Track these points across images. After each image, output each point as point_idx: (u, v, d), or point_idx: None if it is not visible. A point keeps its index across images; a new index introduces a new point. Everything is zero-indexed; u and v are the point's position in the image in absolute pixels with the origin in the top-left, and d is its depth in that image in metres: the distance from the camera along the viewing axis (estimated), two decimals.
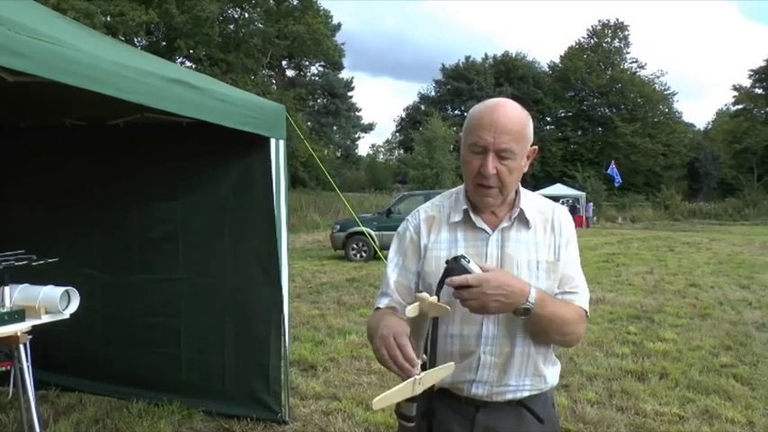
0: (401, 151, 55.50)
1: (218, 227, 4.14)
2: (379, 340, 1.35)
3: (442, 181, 32.09)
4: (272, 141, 3.90)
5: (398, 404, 1.41)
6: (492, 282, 1.40)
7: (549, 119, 54.04)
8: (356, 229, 14.41)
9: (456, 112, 52.94)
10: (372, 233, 13.86)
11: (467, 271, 1.41)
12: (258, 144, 3.86)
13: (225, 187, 4.09)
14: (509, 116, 1.51)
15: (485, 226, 1.61)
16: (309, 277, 11.80)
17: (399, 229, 1.72)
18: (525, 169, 1.59)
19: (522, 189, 1.65)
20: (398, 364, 1.30)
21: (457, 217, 1.62)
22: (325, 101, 50.23)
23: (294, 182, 37.06)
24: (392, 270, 1.65)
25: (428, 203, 1.73)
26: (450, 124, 38.47)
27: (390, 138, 65.12)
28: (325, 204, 29.08)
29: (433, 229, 1.64)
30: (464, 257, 1.42)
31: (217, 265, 4.17)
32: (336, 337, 6.81)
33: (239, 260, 4.10)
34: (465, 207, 1.62)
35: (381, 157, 61.46)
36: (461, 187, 1.67)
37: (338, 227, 15.55)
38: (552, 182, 39.48)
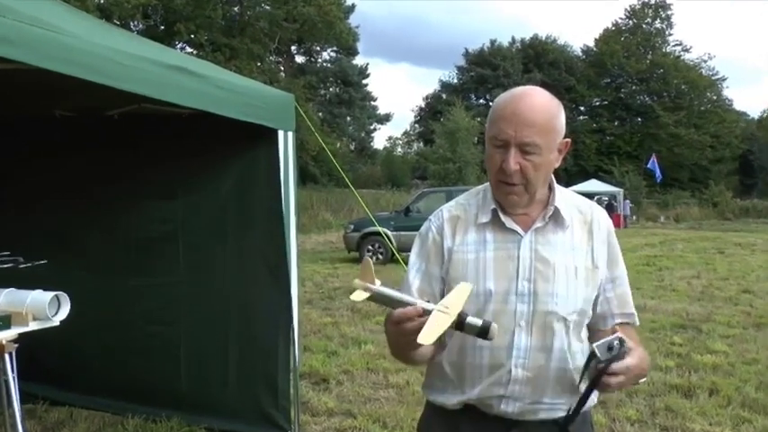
0: (420, 144, 55.47)
1: (220, 227, 4.15)
2: (388, 327, 1.41)
3: (466, 177, 31.96)
4: (280, 134, 3.90)
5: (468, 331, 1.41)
6: (637, 366, 1.46)
7: (582, 108, 53.69)
8: (372, 229, 14.41)
9: (480, 101, 52.82)
10: (389, 234, 13.84)
11: (624, 353, 1.42)
12: (265, 137, 3.86)
13: (228, 184, 4.10)
14: (534, 106, 1.50)
15: (516, 227, 1.59)
16: (321, 281, 11.82)
17: (421, 229, 1.72)
18: (557, 164, 1.58)
19: (557, 186, 1.63)
20: (407, 314, 1.35)
21: (485, 217, 1.61)
22: (337, 89, 50.33)
23: (304, 178, 37.16)
24: (414, 275, 1.65)
25: (452, 202, 1.73)
26: (474, 114, 38.32)
27: (409, 129, 65.12)
28: (338, 202, 29.14)
29: (458, 230, 1.64)
30: (623, 341, 1.42)
31: (219, 268, 4.18)
32: (351, 348, 6.81)
33: (244, 263, 4.10)
34: (493, 207, 1.61)
35: (399, 150, 61.49)
36: (488, 184, 1.66)
37: (352, 227, 15.57)
38: (586, 177, 39.20)
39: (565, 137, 1.57)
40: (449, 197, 15.72)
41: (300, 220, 23.02)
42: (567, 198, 1.64)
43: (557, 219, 1.59)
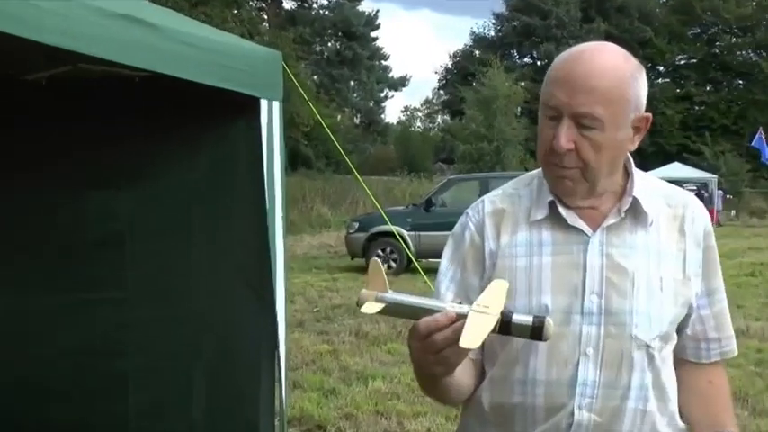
0: (446, 117, 55.50)
1: (183, 227, 4.16)
2: (412, 345, 1.40)
3: (505, 159, 31.96)
4: (263, 104, 3.89)
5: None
6: None
7: (661, 68, 53.47)
8: (382, 228, 14.40)
9: (525, 59, 52.80)
10: (405, 234, 13.84)
11: None
12: (243, 108, 3.86)
13: (194, 170, 4.10)
14: (596, 67, 1.50)
15: (581, 224, 1.59)
16: (316, 297, 11.84)
17: (456, 227, 1.73)
18: (631, 146, 1.57)
19: (635, 170, 1.63)
20: (438, 322, 1.33)
21: (540, 212, 1.62)
22: (338, 45, 50.48)
23: (294, 161, 37.19)
24: (446, 287, 1.67)
25: (497, 191, 1.73)
26: (517, 78, 38.33)
27: (431, 98, 65.18)
28: (338, 193, 29.19)
29: (504, 227, 1.64)
30: None
31: (181, 282, 4.19)
32: (354, 385, 6.82)
33: (215, 273, 4.11)
34: (550, 198, 1.61)
35: (418, 125, 61.59)
36: (541, 171, 1.66)
37: (357, 225, 15.59)
38: (666, 160, 38.97)
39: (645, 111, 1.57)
40: (483, 186, 15.87)
41: (289, 216, 23.05)
42: (650, 186, 1.63)
43: (636, 213, 1.59)
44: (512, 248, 1.61)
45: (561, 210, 1.59)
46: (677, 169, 34.85)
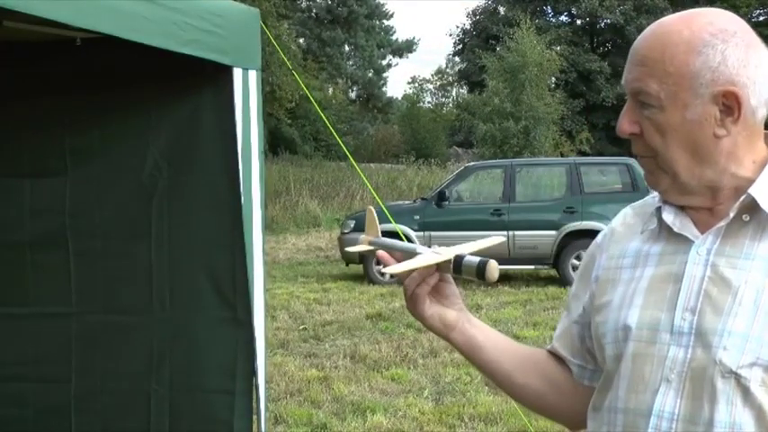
0: (463, 90, 55.41)
1: (139, 224, 4.17)
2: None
3: (536, 142, 31.90)
4: (237, 73, 3.90)
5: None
6: None
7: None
8: (384, 227, 14.24)
9: (562, 18, 52.59)
10: (412, 234, 13.84)
11: None
12: (211, 78, 3.87)
13: (153, 154, 4.11)
14: (653, 36, 1.53)
15: (689, 229, 1.60)
16: (303, 312, 11.84)
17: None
18: (724, 131, 1.54)
19: None
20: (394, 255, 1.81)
21: (653, 222, 1.66)
22: (330, 0, 50.38)
23: (275, 144, 37.26)
24: (565, 313, 1.88)
25: (642, 200, 1.80)
26: (552, 41, 38.20)
27: (444, 66, 65.10)
28: (330, 184, 29.19)
29: (620, 239, 1.74)
30: None
31: (137, 291, 4.20)
32: (350, 419, 6.82)
33: (177, 283, 4.13)
34: (658, 205, 1.65)
35: (428, 100, 61.51)
36: None
37: (353, 224, 15.57)
38: None
39: (728, 86, 1.52)
40: (509, 176, 15.89)
41: (270, 212, 23.07)
42: None
43: (759, 217, 1.56)
44: (619, 259, 1.69)
45: (667, 216, 1.61)
46: None
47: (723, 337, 1.51)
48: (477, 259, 1.67)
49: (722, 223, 1.57)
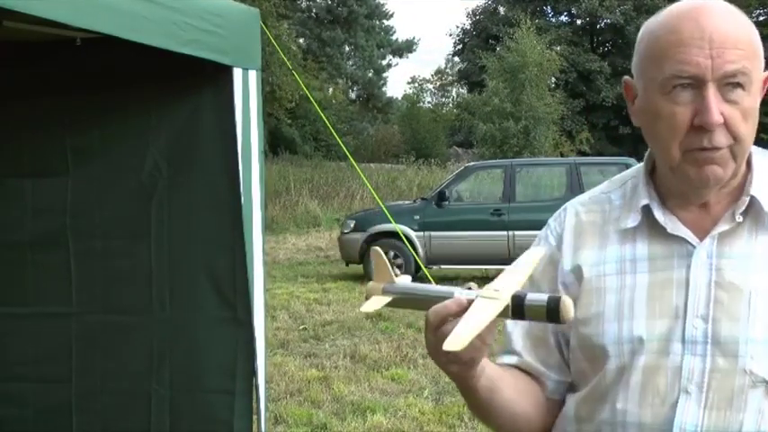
0: (463, 90, 55.35)
1: (139, 222, 4.17)
2: (428, 339, 1.43)
3: (536, 142, 31.90)
4: (237, 73, 3.90)
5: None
6: None
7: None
8: (384, 227, 14.39)
9: (562, 17, 52.55)
10: (412, 235, 13.84)
11: None
12: (212, 78, 3.87)
13: (152, 153, 4.11)
14: (728, 16, 1.50)
15: (685, 231, 1.57)
16: (303, 312, 11.83)
17: (536, 241, 1.75)
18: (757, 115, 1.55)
19: (757, 163, 1.60)
20: (448, 309, 1.38)
21: (631, 220, 1.61)
22: (330, 0, 50.36)
23: (275, 144, 37.25)
24: (520, 323, 1.69)
25: (584, 196, 1.75)
26: (552, 41, 38.17)
27: (444, 66, 65.08)
28: (330, 184, 29.18)
29: (586, 241, 1.66)
30: None
31: (137, 291, 4.20)
32: (350, 419, 6.82)
33: (177, 283, 4.13)
34: (645, 202, 1.60)
35: (428, 100, 61.48)
36: (640, 168, 1.66)
37: (353, 224, 15.56)
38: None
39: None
40: (509, 175, 15.88)
41: (270, 212, 23.05)
42: None
43: (757, 217, 1.56)
44: (599, 266, 1.62)
45: (658, 214, 1.58)
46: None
47: (748, 345, 1.50)
48: (544, 298, 1.36)
49: (727, 226, 1.55)
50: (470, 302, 1.37)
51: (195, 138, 4.03)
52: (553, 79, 36.61)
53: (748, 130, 1.50)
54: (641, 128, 1.58)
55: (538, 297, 1.36)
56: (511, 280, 1.41)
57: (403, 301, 1.51)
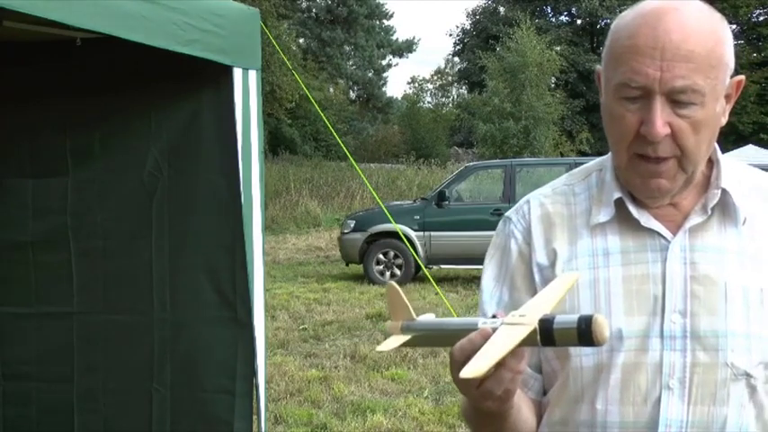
0: (463, 90, 55.31)
1: (140, 224, 4.17)
2: (454, 376, 1.34)
3: (536, 142, 31.88)
4: (237, 73, 3.91)
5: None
6: None
7: (733, 26, 53.10)
8: (384, 227, 14.40)
9: (562, 17, 52.53)
10: (412, 235, 13.84)
11: None
12: (212, 79, 3.87)
13: (152, 153, 4.11)
14: (688, 25, 1.46)
15: (657, 225, 1.57)
16: (303, 312, 11.83)
17: (495, 237, 1.73)
18: (724, 119, 1.54)
19: (721, 157, 1.60)
20: (474, 343, 1.29)
21: (604, 213, 1.60)
22: (330, 0, 50.31)
23: (275, 144, 37.20)
24: (492, 310, 1.65)
25: (545, 189, 1.72)
26: (552, 41, 38.14)
27: (444, 66, 64.96)
28: (330, 184, 29.15)
29: (556, 234, 1.63)
30: None
31: (137, 291, 4.21)
32: (350, 419, 6.82)
33: (178, 283, 4.13)
34: (618, 195, 1.59)
35: (428, 100, 61.37)
36: (606, 160, 1.65)
37: (353, 224, 15.55)
38: (738, 142, 38.74)
39: (733, 75, 1.54)
40: (509, 176, 15.85)
41: (269, 212, 23.03)
42: (738, 175, 1.60)
43: (725, 209, 1.56)
44: (571, 261, 1.60)
45: (632, 209, 1.57)
46: (752, 153, 34.61)
47: (728, 338, 1.50)
48: (574, 318, 1.27)
49: (699, 219, 1.55)
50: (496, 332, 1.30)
51: (195, 138, 4.03)
52: (553, 79, 36.59)
53: (699, 141, 1.48)
54: (605, 124, 1.58)
55: (567, 318, 1.27)
56: (538, 304, 1.34)
57: (424, 338, 1.44)
